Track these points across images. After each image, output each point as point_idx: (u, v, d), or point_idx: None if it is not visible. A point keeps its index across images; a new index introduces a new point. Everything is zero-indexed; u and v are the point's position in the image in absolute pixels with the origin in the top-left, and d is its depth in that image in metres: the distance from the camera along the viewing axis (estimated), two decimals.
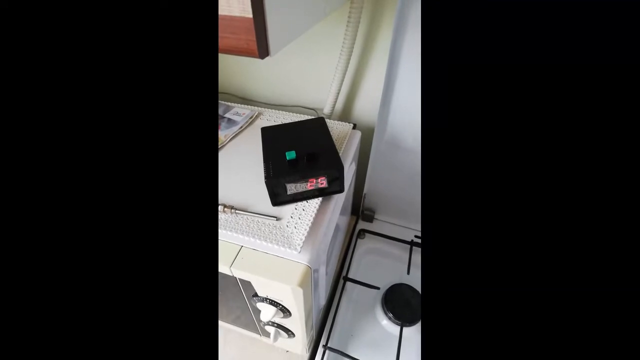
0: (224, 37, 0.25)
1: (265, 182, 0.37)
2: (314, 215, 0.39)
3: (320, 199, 0.41)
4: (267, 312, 0.38)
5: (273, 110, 0.58)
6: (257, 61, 0.62)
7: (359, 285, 0.60)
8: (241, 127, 0.54)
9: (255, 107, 0.59)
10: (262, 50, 0.25)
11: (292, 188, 0.38)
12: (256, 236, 0.36)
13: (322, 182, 0.38)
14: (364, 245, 0.68)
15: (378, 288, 0.58)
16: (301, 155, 0.38)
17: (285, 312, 0.39)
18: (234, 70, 0.66)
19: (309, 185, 0.38)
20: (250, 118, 0.56)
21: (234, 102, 0.60)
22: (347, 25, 0.46)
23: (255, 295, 0.38)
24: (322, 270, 0.45)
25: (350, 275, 0.62)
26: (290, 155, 0.38)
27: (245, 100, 0.68)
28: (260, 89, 0.67)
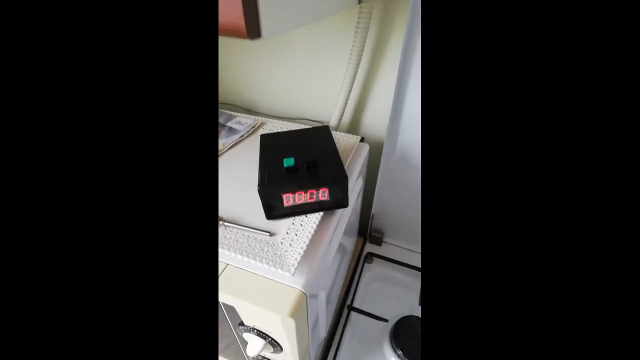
0: None
1: (259, 191, 0.32)
2: (312, 231, 0.34)
3: (321, 214, 0.36)
4: (254, 346, 0.33)
5: (277, 120, 0.55)
6: (263, 71, 0.60)
7: (364, 316, 0.53)
8: (242, 136, 0.51)
9: (259, 117, 0.56)
10: (252, 29, 0.22)
11: (289, 199, 0.34)
12: (244, 253, 0.32)
13: (324, 194, 0.34)
14: (372, 271, 0.61)
15: (386, 320, 0.52)
16: (301, 163, 0.34)
17: (276, 346, 0.33)
18: (239, 80, 0.64)
19: (308, 198, 0.34)
20: (253, 128, 0.53)
21: (238, 113, 0.58)
22: (355, 32, 0.44)
23: (242, 324, 0.33)
24: (322, 296, 0.39)
25: (355, 305, 0.55)
26: (289, 162, 0.34)
27: (250, 112, 0.66)
28: (266, 100, 0.64)
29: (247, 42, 0.57)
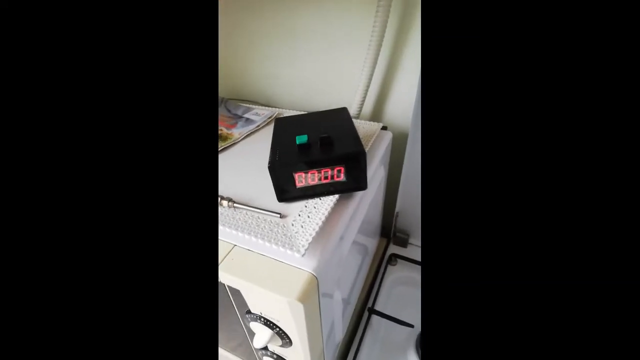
0: None
1: (269, 170, 0.30)
2: (327, 213, 0.31)
3: (337, 197, 0.33)
4: (261, 336, 0.30)
5: (295, 111, 0.54)
6: (280, 65, 0.59)
7: (387, 321, 0.48)
8: (258, 125, 0.50)
9: (276, 109, 0.55)
10: None
11: (301, 180, 0.31)
12: (252, 233, 0.29)
13: (339, 174, 0.31)
14: (395, 274, 0.57)
15: (412, 326, 0.47)
16: (314, 140, 0.32)
17: (284, 338, 0.30)
18: (257, 75, 0.63)
19: (322, 178, 0.31)
20: (269, 118, 0.52)
21: (257, 106, 0.57)
22: (376, 12, 0.42)
23: (249, 312, 0.30)
24: (338, 296, 0.36)
25: (377, 307, 0.51)
26: (301, 139, 0.32)
27: (268, 105, 0.65)
28: (284, 93, 0.63)
29: (261, 33, 0.57)
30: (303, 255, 0.27)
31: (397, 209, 0.59)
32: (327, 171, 0.31)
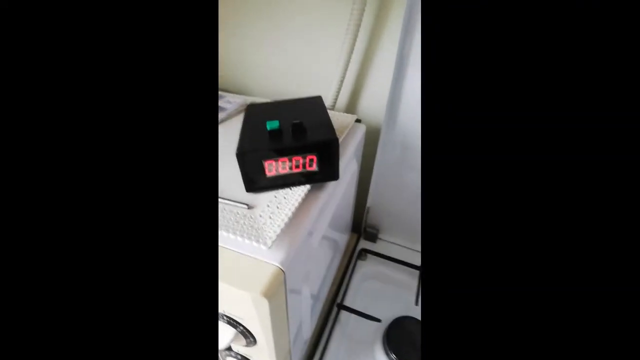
0: None
1: (237, 157, 0.28)
2: (297, 204, 0.30)
3: (309, 187, 0.32)
4: (224, 336, 0.28)
5: (269, 100, 0.52)
6: (256, 55, 0.57)
7: (355, 316, 0.48)
8: (229, 113, 0.47)
9: (249, 97, 0.53)
10: None
11: (271, 169, 0.30)
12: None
13: (312, 163, 0.30)
14: (365, 268, 0.57)
15: (379, 320, 0.47)
16: (286, 127, 0.30)
17: (248, 337, 0.28)
18: (232, 64, 0.60)
19: (294, 166, 0.30)
20: (241, 106, 0.49)
21: (228, 93, 0.54)
22: (352, 5, 0.41)
23: None
24: (306, 291, 0.35)
25: (345, 303, 0.50)
26: (273, 125, 0.30)
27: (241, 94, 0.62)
28: (257, 82, 0.61)
29: (235, 18, 0.54)
30: (270, 248, 0.25)
31: (368, 204, 0.59)
32: (299, 159, 0.29)
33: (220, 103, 0.50)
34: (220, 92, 0.54)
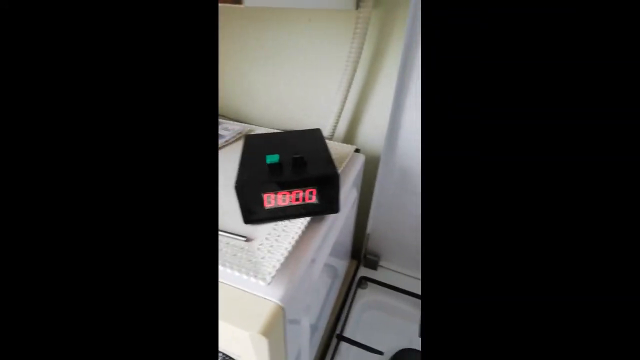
0: None
1: (236, 189, 0.28)
2: (296, 238, 0.30)
3: (308, 219, 0.32)
4: None
5: (267, 129, 0.53)
6: (256, 84, 0.58)
7: (356, 348, 0.47)
8: (227, 141, 0.48)
9: (247, 125, 0.54)
10: None
11: (270, 201, 0.30)
12: None
13: (311, 195, 0.30)
14: (365, 297, 0.56)
15: (381, 353, 0.45)
16: (286, 160, 0.31)
17: None
18: (229, 89, 0.62)
19: (293, 199, 0.30)
20: (239, 134, 0.50)
21: (227, 120, 0.56)
22: (352, 38, 0.42)
23: None
24: (306, 322, 0.34)
25: (346, 334, 0.49)
26: (272, 158, 0.30)
27: (239, 121, 0.63)
28: (256, 110, 0.62)
29: (237, 47, 0.56)
30: (269, 284, 0.25)
31: (368, 231, 0.59)
32: (299, 192, 0.30)
33: (218, 130, 0.51)
34: (219, 120, 0.55)
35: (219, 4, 0.21)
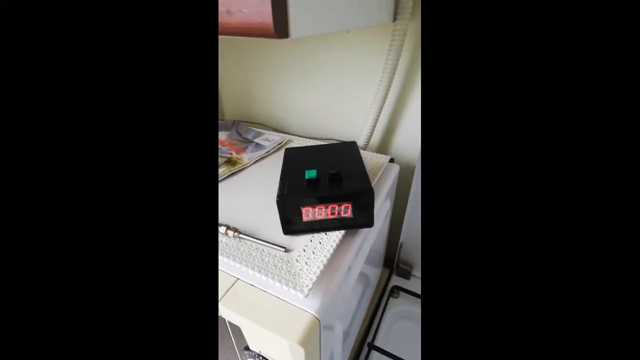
0: (236, 12, 0.22)
1: (277, 202, 0.30)
2: (332, 250, 0.31)
3: (343, 233, 0.33)
4: None
5: (304, 139, 0.55)
6: (293, 92, 0.61)
7: (387, 358, 0.47)
8: (267, 151, 0.50)
9: (286, 135, 0.56)
10: (280, 27, 0.21)
11: (308, 214, 0.31)
12: (256, 268, 0.29)
13: (346, 210, 0.31)
14: (397, 307, 0.55)
15: None
16: (323, 175, 0.32)
17: None
18: (269, 100, 0.65)
19: (329, 213, 0.31)
20: (279, 144, 0.52)
21: (267, 131, 0.58)
22: (389, 50, 0.43)
23: (247, 348, 0.30)
24: (339, 328, 0.35)
25: (377, 343, 0.49)
26: (311, 174, 0.32)
27: (278, 131, 0.66)
28: (294, 120, 0.64)
29: (279, 59, 0.59)
30: (306, 296, 0.27)
31: (401, 240, 0.59)
32: (335, 207, 0.31)
33: (259, 140, 0.54)
34: (259, 129, 0.58)
35: (264, 37, 0.22)
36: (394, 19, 0.41)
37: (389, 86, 0.46)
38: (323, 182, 0.31)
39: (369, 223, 0.32)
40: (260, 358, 0.29)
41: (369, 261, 0.46)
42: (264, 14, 0.21)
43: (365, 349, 0.49)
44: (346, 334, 0.43)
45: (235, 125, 0.59)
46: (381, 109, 0.48)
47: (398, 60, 0.44)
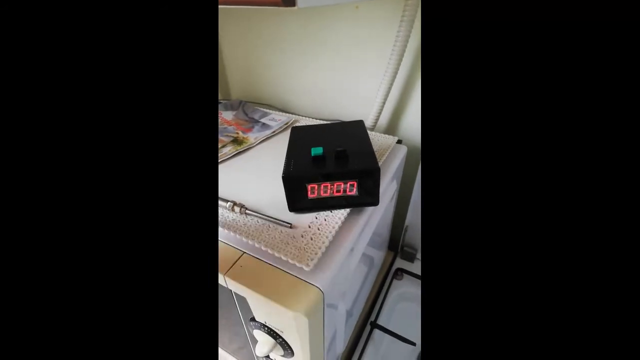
0: None
1: (283, 179, 0.30)
2: (337, 228, 0.31)
3: (348, 211, 0.33)
4: (263, 345, 0.30)
5: (312, 119, 0.54)
6: (301, 72, 0.60)
7: (389, 336, 0.48)
8: (274, 131, 0.50)
9: (293, 115, 0.55)
10: None
11: (314, 191, 0.31)
12: (262, 242, 0.30)
13: (352, 188, 0.31)
14: (400, 288, 0.56)
15: (414, 344, 0.46)
16: (329, 153, 0.32)
17: (287, 348, 0.30)
18: (276, 80, 0.64)
19: (335, 191, 0.31)
20: (286, 124, 0.52)
21: (274, 111, 0.58)
22: (400, 24, 0.41)
23: (253, 319, 0.30)
24: (342, 306, 0.36)
25: (379, 322, 0.50)
26: (317, 151, 0.32)
27: (285, 111, 0.66)
28: (302, 101, 0.64)
29: (284, 39, 0.58)
30: (311, 270, 0.27)
31: (406, 223, 0.59)
32: (340, 184, 0.31)
33: (265, 120, 0.54)
34: (265, 109, 0.58)
35: (271, 6, 0.22)
36: None
37: (399, 63, 0.45)
38: (329, 160, 0.31)
39: (374, 202, 0.32)
40: (266, 328, 0.30)
41: (374, 243, 0.47)
42: None
43: (368, 327, 0.50)
44: (350, 313, 0.44)
45: (242, 105, 0.59)
46: (390, 87, 0.47)
47: (409, 36, 0.42)
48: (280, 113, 0.57)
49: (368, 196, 0.32)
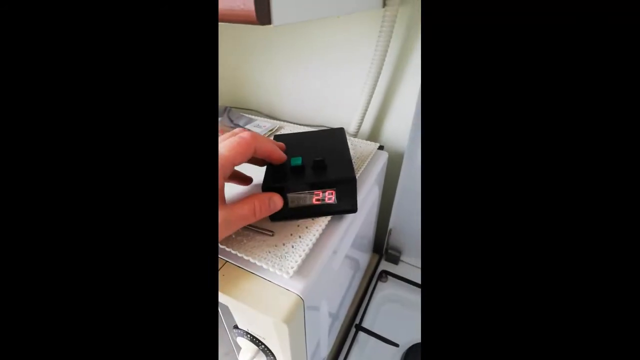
0: None
1: (263, 190, 0.31)
2: (317, 235, 0.32)
3: (329, 219, 0.34)
4: (246, 352, 0.30)
5: (295, 125, 0.55)
6: (285, 78, 0.60)
7: (374, 339, 0.49)
8: None
9: (278, 122, 0.56)
10: (262, 13, 0.22)
11: (294, 200, 0.32)
12: (244, 251, 0.30)
13: (330, 197, 0.32)
14: (385, 290, 0.57)
15: (397, 345, 0.47)
16: (309, 162, 0.33)
17: (269, 354, 0.31)
18: (259, 86, 0.65)
19: (314, 199, 0.32)
20: (270, 131, 0.53)
21: (259, 117, 0.58)
22: (378, 36, 0.43)
23: (236, 327, 0.31)
24: (325, 309, 0.37)
25: (364, 325, 0.51)
26: (296, 161, 0.32)
27: (270, 117, 0.66)
28: (285, 106, 0.65)
29: (268, 45, 0.59)
30: (291, 277, 0.28)
31: (390, 226, 0.60)
32: (319, 194, 0.32)
33: (251, 127, 0.54)
34: (250, 116, 0.58)
35: (247, 23, 0.22)
36: (384, 5, 0.41)
37: (379, 73, 0.46)
38: (308, 169, 0.32)
39: (354, 209, 0.33)
40: (249, 336, 0.30)
41: (358, 246, 0.48)
42: (246, 0, 0.21)
43: (353, 330, 0.51)
44: (334, 316, 0.45)
45: (227, 111, 0.59)
46: (371, 95, 0.49)
47: (388, 46, 0.44)
48: (266, 119, 0.57)
49: (347, 204, 0.33)
